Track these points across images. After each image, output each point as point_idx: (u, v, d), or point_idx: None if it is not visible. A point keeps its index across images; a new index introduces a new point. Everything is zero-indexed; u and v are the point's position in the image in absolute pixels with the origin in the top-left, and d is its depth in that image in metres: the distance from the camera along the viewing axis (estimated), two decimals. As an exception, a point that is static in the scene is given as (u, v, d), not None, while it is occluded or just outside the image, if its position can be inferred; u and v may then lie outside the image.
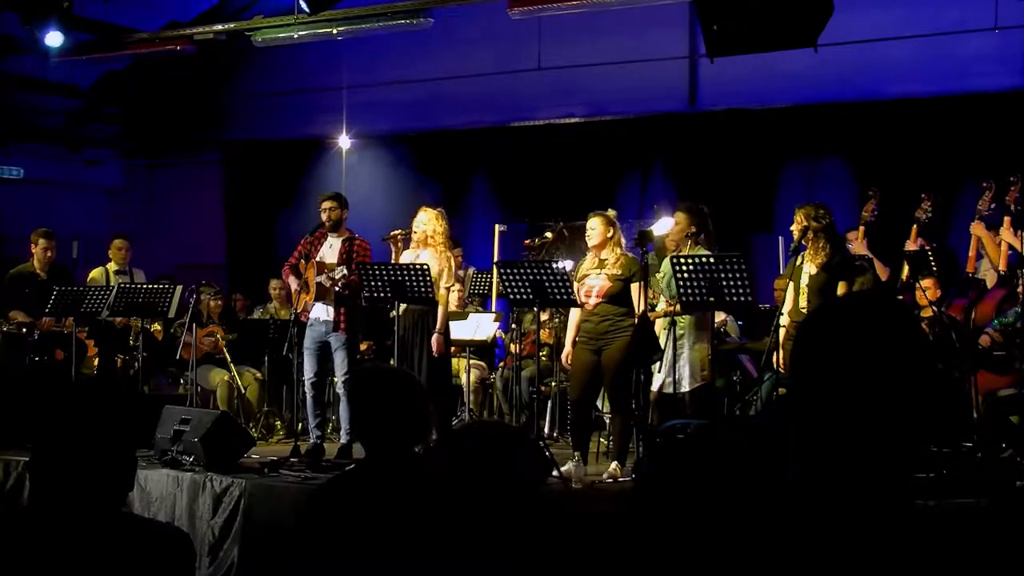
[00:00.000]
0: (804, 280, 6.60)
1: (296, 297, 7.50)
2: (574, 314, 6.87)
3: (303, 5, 9.00)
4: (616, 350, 6.54)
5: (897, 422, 1.51)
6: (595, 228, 6.73)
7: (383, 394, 2.90)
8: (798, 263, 6.65)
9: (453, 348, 7.85)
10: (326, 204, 7.62)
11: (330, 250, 7.56)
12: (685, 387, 6.71)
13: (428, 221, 7.29)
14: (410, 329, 7.21)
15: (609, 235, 6.70)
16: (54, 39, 9.53)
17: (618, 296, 6.63)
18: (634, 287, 6.60)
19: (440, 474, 2.16)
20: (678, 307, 6.70)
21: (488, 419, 7.97)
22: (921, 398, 1.51)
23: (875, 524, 1.49)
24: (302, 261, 7.60)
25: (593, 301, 6.67)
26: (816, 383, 1.55)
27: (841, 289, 6.49)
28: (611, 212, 6.85)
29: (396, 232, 7.57)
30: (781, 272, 8.80)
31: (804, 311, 6.43)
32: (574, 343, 6.81)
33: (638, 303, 6.57)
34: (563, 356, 6.95)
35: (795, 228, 6.61)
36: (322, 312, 7.45)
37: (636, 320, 6.51)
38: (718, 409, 7.50)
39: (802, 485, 1.53)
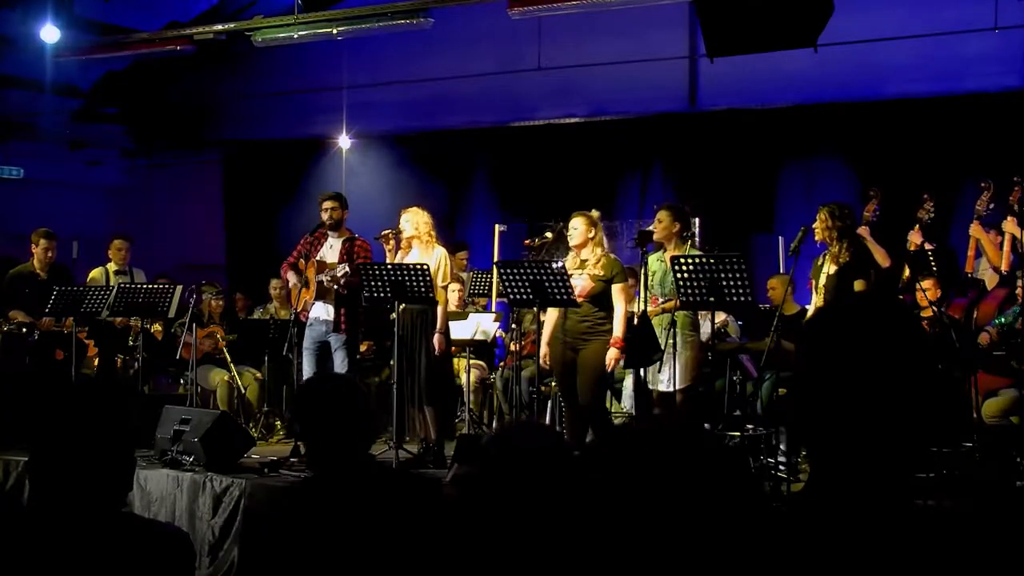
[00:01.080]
0: (822, 280, 6.62)
1: (296, 294, 7.49)
2: (551, 314, 6.85)
3: (301, 3, 9.00)
4: (591, 352, 6.57)
5: (898, 422, 1.51)
6: (577, 228, 6.75)
7: (323, 403, 2.90)
8: (819, 263, 6.68)
9: (453, 348, 7.84)
10: (327, 204, 7.61)
11: (330, 250, 7.56)
12: (674, 386, 6.70)
13: (411, 219, 7.29)
14: (409, 329, 7.21)
15: (591, 235, 6.71)
16: (50, 35, 9.51)
17: (599, 297, 6.65)
18: (615, 288, 6.62)
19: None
20: (666, 304, 6.71)
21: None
22: (921, 398, 1.51)
23: (875, 524, 1.49)
24: (301, 260, 7.60)
25: None
26: (818, 382, 1.55)
27: (859, 286, 6.49)
28: (594, 213, 6.87)
29: (387, 231, 7.55)
30: (780, 271, 8.80)
31: None
32: (549, 342, 6.82)
33: (624, 305, 6.58)
34: (541, 357, 6.94)
35: (818, 227, 6.57)
36: (322, 312, 7.45)
37: (614, 321, 6.55)
38: (715, 409, 7.50)
39: (802, 482, 1.53)
